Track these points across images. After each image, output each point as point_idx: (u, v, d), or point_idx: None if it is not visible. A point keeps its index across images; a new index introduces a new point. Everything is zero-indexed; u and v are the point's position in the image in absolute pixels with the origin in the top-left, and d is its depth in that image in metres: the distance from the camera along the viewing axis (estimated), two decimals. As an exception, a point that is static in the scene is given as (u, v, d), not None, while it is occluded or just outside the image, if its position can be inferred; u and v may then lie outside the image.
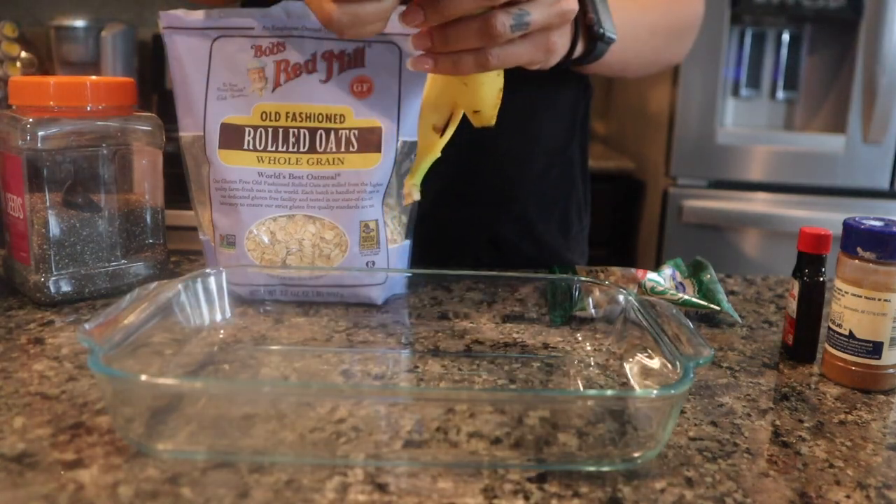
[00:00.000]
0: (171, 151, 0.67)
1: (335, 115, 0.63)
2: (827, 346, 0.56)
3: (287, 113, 0.62)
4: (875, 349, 0.53)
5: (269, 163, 0.63)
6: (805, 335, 0.59)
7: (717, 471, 0.43)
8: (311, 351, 0.57)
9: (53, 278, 0.64)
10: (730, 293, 0.76)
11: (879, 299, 0.53)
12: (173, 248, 0.76)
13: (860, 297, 0.53)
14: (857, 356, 0.54)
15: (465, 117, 0.59)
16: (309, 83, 0.62)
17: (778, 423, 0.49)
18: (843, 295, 0.55)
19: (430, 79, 0.59)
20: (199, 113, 0.63)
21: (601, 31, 0.65)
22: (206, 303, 0.58)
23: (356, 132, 0.63)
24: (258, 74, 0.62)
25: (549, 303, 0.65)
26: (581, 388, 0.53)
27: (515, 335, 0.61)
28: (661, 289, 0.68)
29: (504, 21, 0.49)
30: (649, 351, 0.51)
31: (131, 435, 0.42)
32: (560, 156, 0.88)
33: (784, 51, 1.83)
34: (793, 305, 0.59)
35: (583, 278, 0.62)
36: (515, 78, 0.73)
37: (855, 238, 0.53)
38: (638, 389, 0.51)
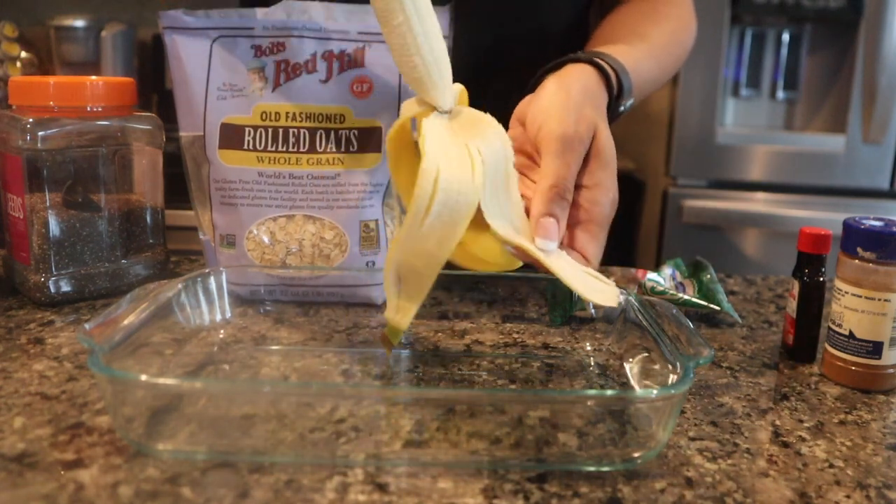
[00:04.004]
0: (171, 151, 0.67)
1: (335, 115, 0.63)
2: (827, 346, 0.56)
3: (287, 113, 0.62)
4: (875, 349, 0.53)
5: (269, 163, 0.63)
6: (805, 335, 0.59)
7: (717, 471, 0.43)
8: (311, 351, 0.57)
9: (53, 278, 0.64)
10: (730, 293, 0.76)
11: (879, 299, 0.53)
12: (173, 248, 0.76)
13: (860, 297, 0.53)
14: (857, 356, 0.54)
15: None
16: (309, 83, 0.62)
17: (778, 423, 0.49)
18: (843, 295, 0.55)
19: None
20: (199, 113, 0.63)
21: (623, 109, 0.65)
22: (206, 303, 0.58)
23: (356, 132, 0.63)
24: (258, 74, 0.62)
25: (549, 303, 0.65)
26: (581, 389, 0.53)
27: (515, 335, 0.61)
28: (661, 289, 0.68)
29: None
30: (649, 351, 0.51)
31: (131, 435, 0.42)
32: None
33: (784, 51, 1.83)
34: (793, 305, 0.59)
35: (583, 278, 0.61)
36: (505, 67, 0.72)
37: (855, 238, 0.53)
38: (638, 389, 0.51)
